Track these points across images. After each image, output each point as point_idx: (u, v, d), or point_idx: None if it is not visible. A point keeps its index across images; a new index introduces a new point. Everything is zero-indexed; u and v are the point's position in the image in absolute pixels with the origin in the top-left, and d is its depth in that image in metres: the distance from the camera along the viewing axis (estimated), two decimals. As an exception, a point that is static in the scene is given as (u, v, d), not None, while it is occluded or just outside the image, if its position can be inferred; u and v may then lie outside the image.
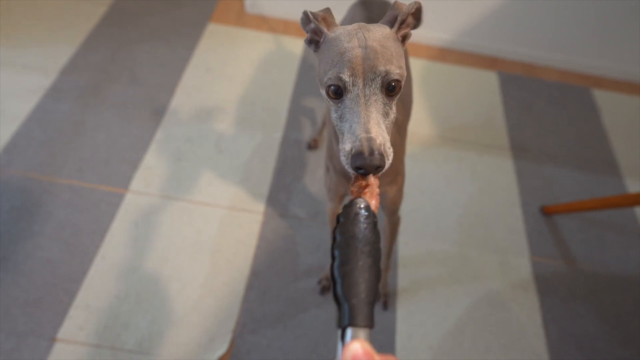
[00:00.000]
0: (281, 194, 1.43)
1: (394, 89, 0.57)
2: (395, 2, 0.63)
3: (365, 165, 0.49)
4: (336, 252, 0.41)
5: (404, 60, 0.61)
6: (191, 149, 1.51)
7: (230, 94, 1.69)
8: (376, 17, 1.04)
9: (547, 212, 1.48)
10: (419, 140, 1.65)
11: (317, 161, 1.53)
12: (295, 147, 1.56)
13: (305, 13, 0.63)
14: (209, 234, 1.32)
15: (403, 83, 0.59)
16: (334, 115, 0.59)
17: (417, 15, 0.63)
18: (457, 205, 1.48)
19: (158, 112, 1.59)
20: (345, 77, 0.56)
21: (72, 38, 1.78)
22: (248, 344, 1.13)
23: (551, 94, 1.92)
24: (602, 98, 1.93)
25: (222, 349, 1.12)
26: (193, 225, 1.33)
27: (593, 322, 1.27)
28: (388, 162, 0.52)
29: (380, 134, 0.53)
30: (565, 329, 1.25)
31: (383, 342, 1.18)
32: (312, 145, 1.55)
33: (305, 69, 1.83)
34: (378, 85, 0.56)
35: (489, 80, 1.93)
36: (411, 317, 1.23)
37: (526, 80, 1.96)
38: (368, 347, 0.34)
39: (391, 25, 0.62)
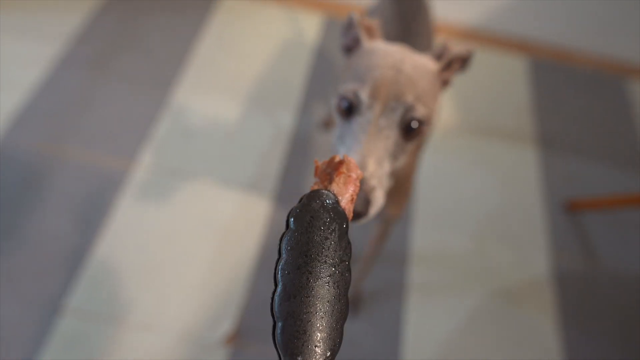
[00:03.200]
0: (293, 176, 1.39)
1: (412, 131, 0.47)
2: (445, 43, 0.55)
3: None
4: (279, 276, 0.29)
5: (436, 105, 0.51)
6: (201, 125, 1.47)
7: (243, 70, 1.65)
8: (408, 13, 0.92)
9: (571, 208, 1.40)
10: (438, 128, 1.58)
11: (330, 142, 1.48)
12: (308, 129, 1.51)
13: (350, 18, 0.55)
14: (218, 213, 1.29)
15: (426, 131, 0.49)
16: (335, 133, 0.49)
17: (465, 62, 0.55)
18: (476, 197, 1.42)
19: (169, 86, 1.56)
20: (363, 96, 0.46)
21: (81, 6, 1.75)
22: (255, 325, 1.12)
23: (584, 83, 1.80)
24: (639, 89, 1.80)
25: (227, 328, 1.10)
26: (202, 203, 1.31)
27: (613, 324, 1.21)
28: (371, 213, 0.42)
29: (376, 175, 0.43)
30: (582, 330, 1.19)
31: (390, 332, 1.15)
32: (325, 125, 1.50)
33: (322, 47, 1.76)
34: (397, 119, 0.46)
35: (517, 66, 1.82)
36: (422, 308, 1.19)
37: (557, 67, 1.84)
38: None
39: (436, 61, 0.53)
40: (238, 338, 1.10)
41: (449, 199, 1.40)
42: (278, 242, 0.30)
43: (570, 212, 1.41)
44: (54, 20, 1.69)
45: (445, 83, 0.55)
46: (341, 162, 0.34)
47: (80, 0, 1.77)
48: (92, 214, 1.26)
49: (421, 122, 0.47)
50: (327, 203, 0.31)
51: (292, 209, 0.31)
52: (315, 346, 0.26)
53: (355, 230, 1.29)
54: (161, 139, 1.43)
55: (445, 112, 1.62)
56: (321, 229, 0.30)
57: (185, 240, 1.24)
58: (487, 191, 1.43)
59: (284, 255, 0.29)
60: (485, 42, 1.88)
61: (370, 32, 0.55)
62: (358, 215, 0.41)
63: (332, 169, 0.34)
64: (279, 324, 0.27)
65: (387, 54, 0.49)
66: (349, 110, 0.47)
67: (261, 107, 1.55)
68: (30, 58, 1.57)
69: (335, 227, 0.30)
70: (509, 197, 1.43)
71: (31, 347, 1.05)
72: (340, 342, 0.27)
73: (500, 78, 1.76)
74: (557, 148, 1.57)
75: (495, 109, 1.65)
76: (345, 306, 0.28)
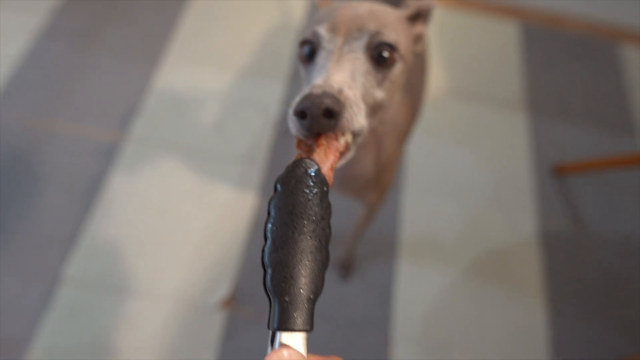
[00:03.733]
0: (284, 147, 1.40)
1: (384, 60, 0.44)
2: (407, 2, 0.53)
3: (310, 106, 0.37)
4: (268, 232, 0.32)
5: (407, 40, 0.49)
6: (191, 97, 1.46)
7: (232, 41, 1.62)
8: None
9: (558, 172, 1.43)
10: (428, 94, 1.58)
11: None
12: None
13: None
14: (211, 182, 1.31)
15: (402, 61, 0.46)
16: (303, 86, 0.47)
17: (425, 15, 0.53)
18: (465, 161, 1.44)
19: (157, 57, 1.54)
20: (322, 31, 0.45)
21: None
22: (250, 289, 1.15)
23: (575, 48, 1.80)
24: (630, 54, 1.80)
25: (223, 293, 1.14)
26: (194, 173, 1.32)
27: (597, 283, 1.26)
28: (349, 114, 0.39)
29: (345, 83, 0.41)
30: (566, 288, 1.24)
31: (382, 292, 1.19)
32: None
33: (311, 17, 1.73)
34: (362, 45, 0.44)
35: (507, 31, 1.81)
36: (413, 270, 1.23)
37: (548, 32, 1.83)
38: (299, 358, 0.28)
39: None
40: (234, 302, 1.14)
41: (439, 164, 1.42)
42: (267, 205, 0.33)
43: (558, 176, 1.44)
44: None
45: (417, 39, 0.54)
46: (320, 135, 0.38)
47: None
48: (85, 186, 1.27)
49: (393, 48, 0.45)
50: (309, 170, 0.35)
51: (279, 176, 0.35)
52: (301, 289, 0.30)
53: (339, 214, 1.31)
54: (151, 111, 1.42)
55: (435, 77, 1.62)
56: (305, 192, 0.33)
57: (179, 209, 1.26)
58: (476, 156, 1.45)
59: (272, 214, 0.33)
60: (475, 7, 1.86)
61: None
62: (327, 113, 0.37)
63: (312, 141, 0.39)
64: (269, 271, 0.31)
65: (346, 4, 0.48)
66: (312, 54, 0.46)
67: (251, 78, 1.54)
68: (12, 30, 1.53)
69: (317, 190, 0.34)
70: (498, 162, 1.45)
71: (31, 319, 1.08)
72: (321, 287, 0.31)
73: (490, 43, 1.75)
74: (546, 113, 1.59)
75: (485, 74, 1.65)
76: (325, 257, 0.32)
